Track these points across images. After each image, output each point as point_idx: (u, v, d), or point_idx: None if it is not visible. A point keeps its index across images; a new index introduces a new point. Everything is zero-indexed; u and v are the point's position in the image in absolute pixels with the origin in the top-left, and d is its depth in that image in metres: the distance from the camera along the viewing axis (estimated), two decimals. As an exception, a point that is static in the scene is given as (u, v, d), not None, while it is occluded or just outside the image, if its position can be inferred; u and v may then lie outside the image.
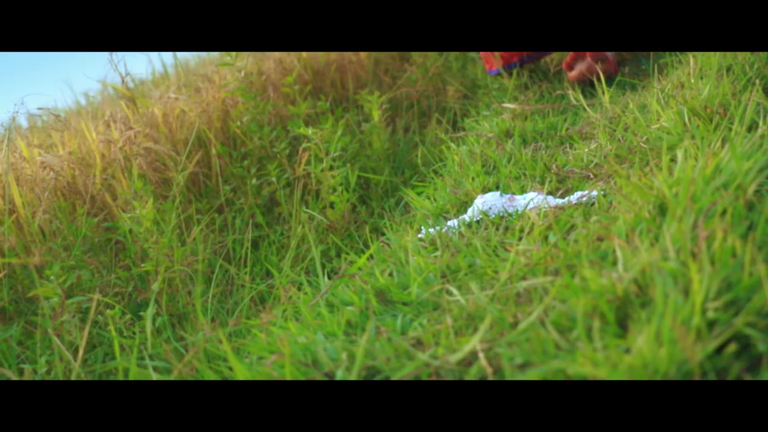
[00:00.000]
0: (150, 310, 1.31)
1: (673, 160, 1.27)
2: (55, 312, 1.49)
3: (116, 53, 2.49)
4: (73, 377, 1.27)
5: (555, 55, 2.68)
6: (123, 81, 2.55)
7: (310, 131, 2.04)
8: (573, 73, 2.32)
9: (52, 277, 1.54)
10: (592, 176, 1.53)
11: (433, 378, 0.90)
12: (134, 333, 1.51)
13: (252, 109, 2.41)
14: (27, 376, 1.36)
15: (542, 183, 1.59)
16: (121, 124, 2.31)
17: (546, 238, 1.22)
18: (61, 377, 1.34)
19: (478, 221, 1.47)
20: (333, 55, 3.00)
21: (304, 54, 2.91)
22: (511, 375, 0.83)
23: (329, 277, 1.48)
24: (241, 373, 0.99)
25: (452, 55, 3.04)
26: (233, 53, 2.44)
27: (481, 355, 0.89)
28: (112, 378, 1.41)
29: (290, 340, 1.09)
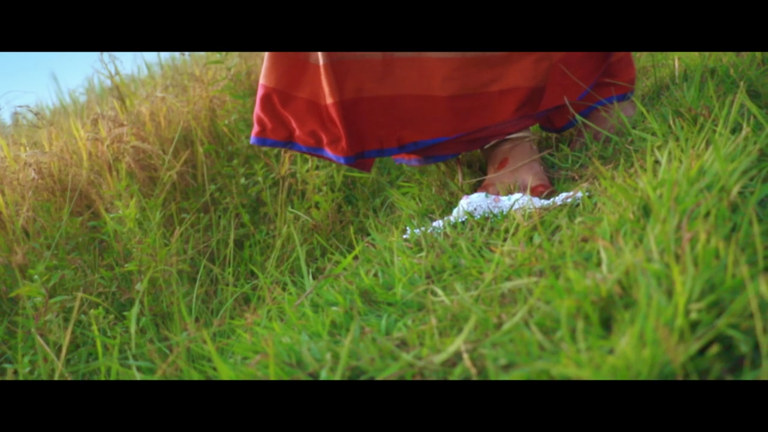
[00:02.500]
0: (134, 310, 1.30)
1: (657, 161, 1.27)
2: (38, 312, 1.48)
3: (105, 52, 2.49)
4: (56, 377, 1.26)
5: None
6: (112, 79, 2.55)
7: (296, 130, 2.04)
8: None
9: (35, 277, 1.53)
10: (577, 177, 1.53)
11: (417, 378, 0.90)
12: (118, 333, 1.50)
13: (240, 107, 2.41)
14: (9, 376, 1.35)
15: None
16: (109, 121, 2.30)
17: (531, 239, 1.22)
18: (44, 377, 1.33)
19: (463, 222, 1.47)
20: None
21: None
22: (495, 375, 0.83)
23: (314, 278, 1.48)
24: (225, 373, 0.99)
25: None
26: (222, 52, 2.44)
27: (465, 355, 0.89)
28: (95, 378, 1.40)
29: (274, 340, 1.09)
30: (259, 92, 1.70)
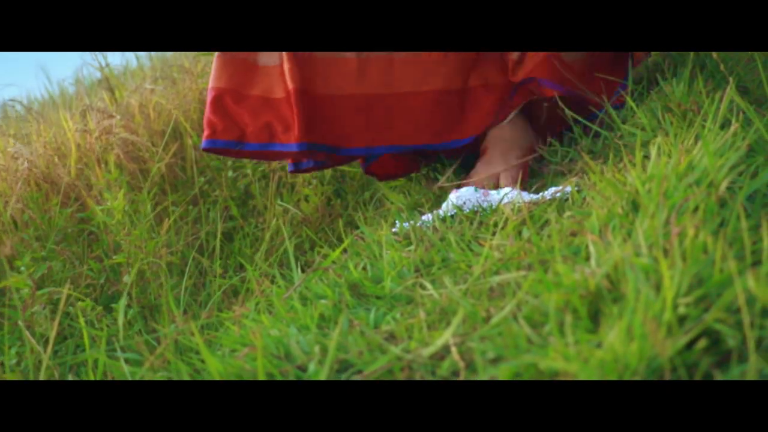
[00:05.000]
0: (121, 302, 1.30)
1: (646, 156, 1.27)
2: (25, 303, 1.47)
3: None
4: (43, 369, 1.26)
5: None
6: (102, 70, 2.54)
7: (285, 123, 2.03)
8: None
9: (22, 268, 1.53)
10: (566, 172, 1.53)
11: (406, 371, 0.90)
12: (105, 325, 1.50)
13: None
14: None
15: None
16: (98, 113, 2.29)
17: (520, 233, 1.22)
18: (31, 369, 1.33)
19: (452, 216, 1.47)
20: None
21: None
22: (483, 369, 0.83)
23: (303, 270, 1.48)
24: (213, 365, 0.98)
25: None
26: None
27: (453, 349, 0.89)
28: (82, 369, 1.40)
29: (263, 332, 1.09)
30: (210, 96, 1.68)
